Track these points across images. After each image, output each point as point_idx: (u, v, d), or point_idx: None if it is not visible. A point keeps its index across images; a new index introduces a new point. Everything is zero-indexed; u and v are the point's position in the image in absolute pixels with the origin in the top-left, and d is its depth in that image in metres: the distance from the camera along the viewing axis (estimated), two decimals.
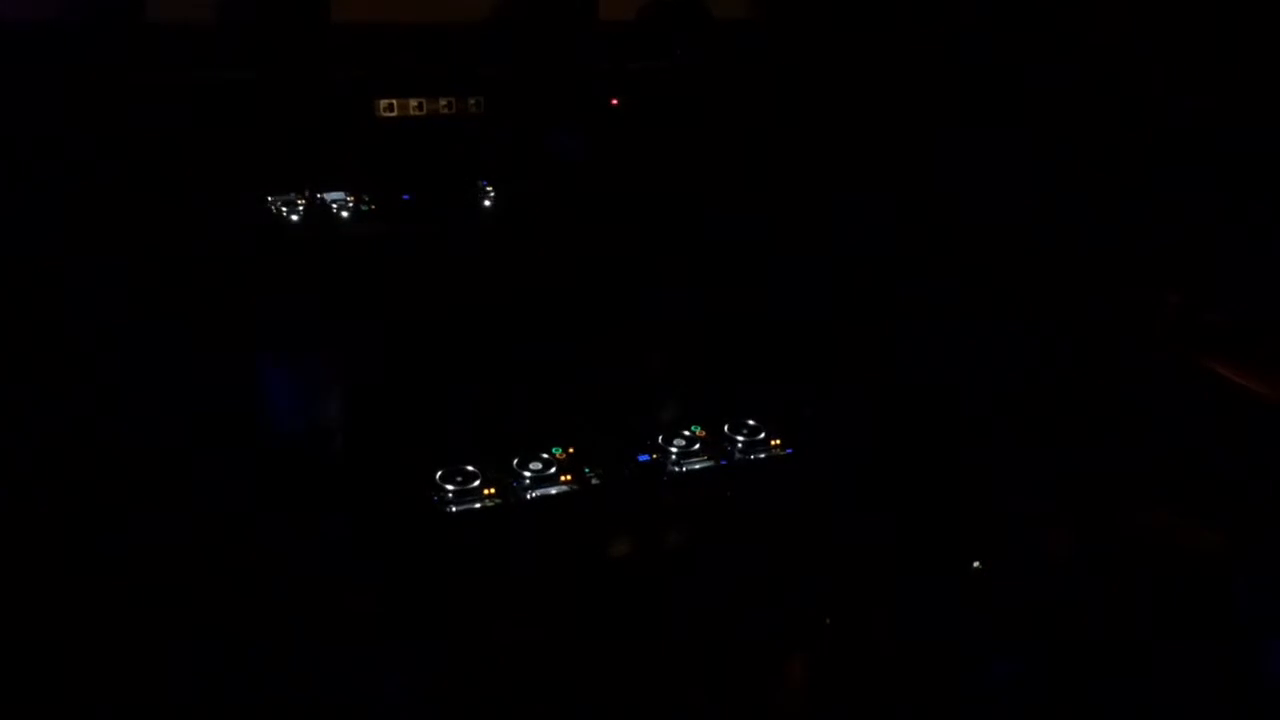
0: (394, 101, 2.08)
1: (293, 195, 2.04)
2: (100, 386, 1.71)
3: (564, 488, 1.62)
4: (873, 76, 2.43)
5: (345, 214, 2.05)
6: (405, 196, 2.09)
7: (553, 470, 1.63)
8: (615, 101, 2.24)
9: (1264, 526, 1.70)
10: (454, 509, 1.56)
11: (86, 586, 1.48)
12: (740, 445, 1.74)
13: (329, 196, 2.07)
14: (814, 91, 2.46)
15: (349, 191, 2.08)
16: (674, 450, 1.70)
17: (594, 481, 1.64)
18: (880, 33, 2.45)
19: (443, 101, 2.11)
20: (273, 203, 2.02)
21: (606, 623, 1.48)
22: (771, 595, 1.56)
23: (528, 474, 1.62)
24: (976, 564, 1.65)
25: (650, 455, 1.70)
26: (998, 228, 2.32)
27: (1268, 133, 2.22)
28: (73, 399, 1.69)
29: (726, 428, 1.76)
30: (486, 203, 2.14)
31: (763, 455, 1.74)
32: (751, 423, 1.77)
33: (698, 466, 1.71)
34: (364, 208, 2.07)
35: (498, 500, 1.59)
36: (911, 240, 2.34)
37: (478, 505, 1.57)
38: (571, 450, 1.67)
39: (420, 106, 2.10)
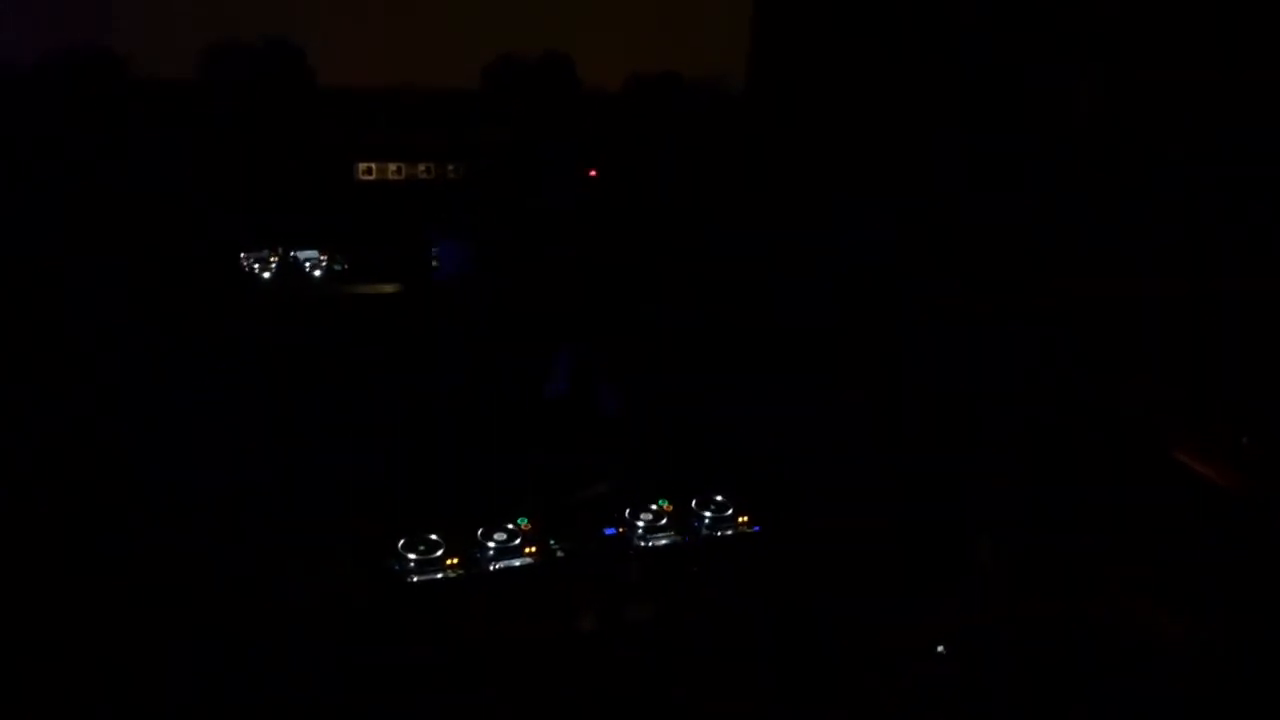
0: (373, 165, 2.11)
1: (265, 252, 2.05)
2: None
3: (528, 559, 1.61)
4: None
5: (318, 272, 2.06)
6: (379, 257, 2.11)
7: (517, 541, 1.62)
8: (594, 172, 2.27)
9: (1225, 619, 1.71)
10: (416, 579, 1.55)
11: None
12: (707, 521, 1.73)
13: (302, 254, 2.09)
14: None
15: (322, 250, 2.09)
16: (640, 524, 1.69)
17: (559, 554, 1.63)
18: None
19: (421, 166, 2.14)
20: (245, 259, 2.03)
21: (569, 695, 1.47)
22: (739, 670, 1.55)
23: (492, 544, 1.60)
24: (940, 648, 1.65)
25: (616, 529, 1.69)
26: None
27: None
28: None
29: (694, 503, 1.75)
30: (460, 267, 2.15)
31: (730, 532, 1.73)
32: (719, 498, 1.76)
33: (664, 542, 1.70)
34: (336, 267, 2.08)
35: (460, 571, 1.57)
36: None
37: (440, 575, 1.56)
38: (536, 522, 1.66)
39: (399, 171, 2.13)
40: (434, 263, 2.14)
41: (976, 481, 1.97)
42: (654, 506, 1.73)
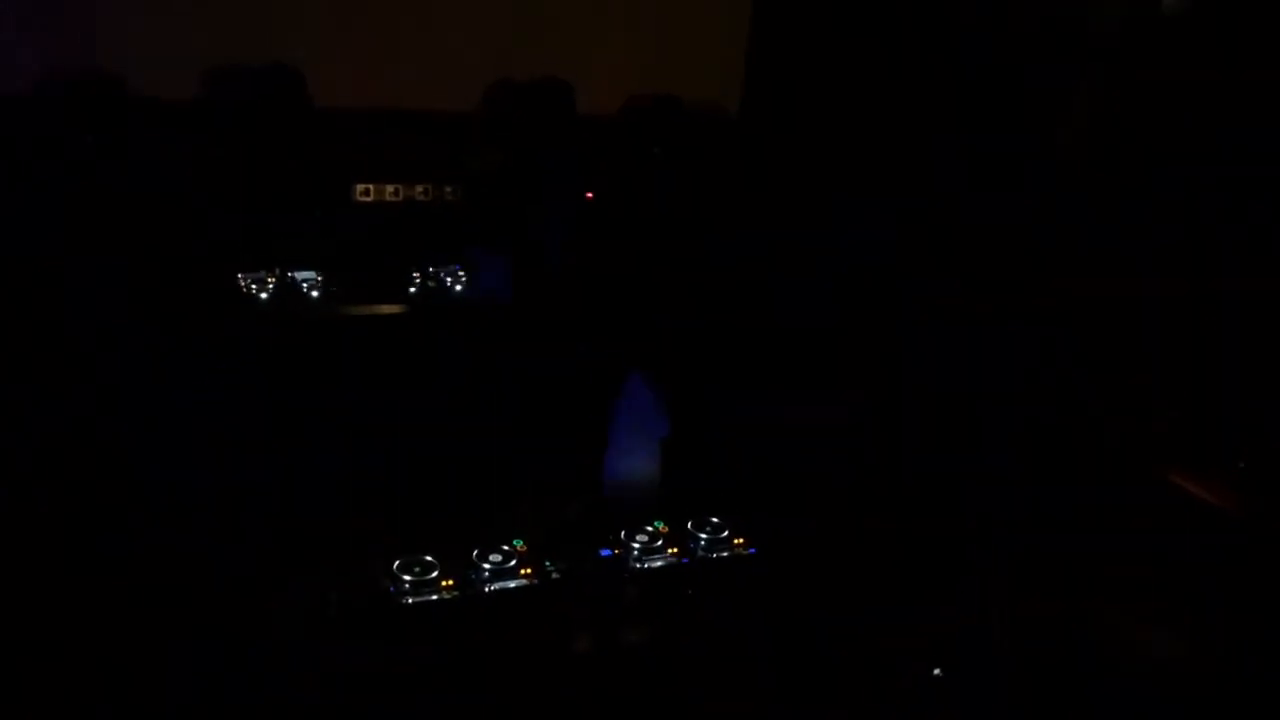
0: (370, 186, 2.13)
1: (263, 272, 2.06)
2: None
3: (523, 581, 1.61)
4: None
5: (315, 292, 2.07)
6: (376, 277, 2.12)
7: (513, 563, 1.62)
8: (590, 195, 2.27)
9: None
10: (410, 600, 1.55)
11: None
12: (703, 542, 1.73)
13: (299, 275, 2.09)
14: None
15: (320, 270, 2.10)
16: (636, 546, 1.69)
17: (554, 576, 1.63)
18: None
19: (419, 188, 2.15)
20: (243, 279, 2.03)
21: (565, 716, 1.47)
22: (735, 692, 1.55)
23: (487, 566, 1.60)
24: (937, 671, 1.64)
25: (612, 551, 1.69)
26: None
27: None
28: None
29: (690, 524, 1.75)
30: (458, 287, 2.16)
31: (726, 554, 1.73)
32: (715, 520, 1.76)
33: (659, 563, 1.69)
34: (333, 288, 2.09)
35: (456, 592, 1.57)
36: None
37: (435, 597, 1.56)
38: (532, 543, 1.66)
39: (397, 192, 2.15)
40: (429, 282, 2.15)
41: (976, 482, 1.97)
42: (650, 528, 1.73)
